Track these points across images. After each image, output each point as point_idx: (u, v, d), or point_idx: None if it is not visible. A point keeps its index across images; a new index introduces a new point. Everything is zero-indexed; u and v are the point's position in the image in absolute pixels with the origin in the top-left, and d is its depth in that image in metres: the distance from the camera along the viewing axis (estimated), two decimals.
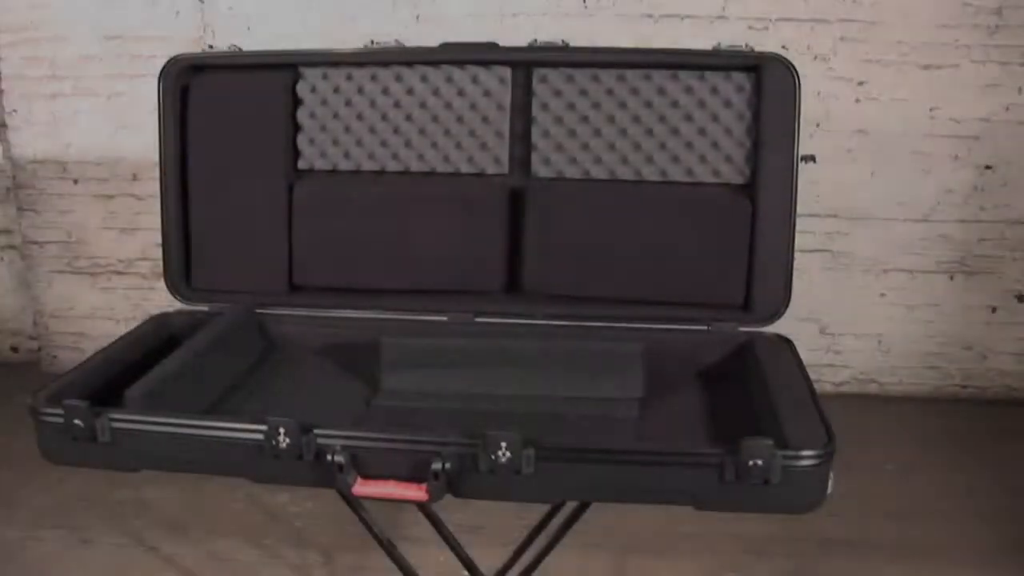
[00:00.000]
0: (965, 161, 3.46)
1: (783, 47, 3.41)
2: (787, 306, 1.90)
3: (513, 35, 3.51)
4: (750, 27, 3.47)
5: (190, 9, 3.50)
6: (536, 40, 1.93)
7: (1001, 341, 3.65)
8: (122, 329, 3.89)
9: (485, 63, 1.94)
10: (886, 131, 3.45)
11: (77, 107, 3.64)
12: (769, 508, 1.43)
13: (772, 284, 1.90)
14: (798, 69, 1.86)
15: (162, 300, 3.80)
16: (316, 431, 1.45)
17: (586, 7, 3.53)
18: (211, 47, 2.02)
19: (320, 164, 2.03)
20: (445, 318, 2.00)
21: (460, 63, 1.94)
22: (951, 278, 3.59)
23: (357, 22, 3.56)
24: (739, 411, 1.73)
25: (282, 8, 3.54)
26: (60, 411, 1.52)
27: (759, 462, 1.36)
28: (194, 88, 2.00)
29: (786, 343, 1.85)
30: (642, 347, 1.82)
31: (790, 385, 1.64)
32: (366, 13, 3.55)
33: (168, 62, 1.97)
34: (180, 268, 2.07)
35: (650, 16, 3.51)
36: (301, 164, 2.03)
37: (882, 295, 3.62)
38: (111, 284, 3.83)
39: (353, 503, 1.75)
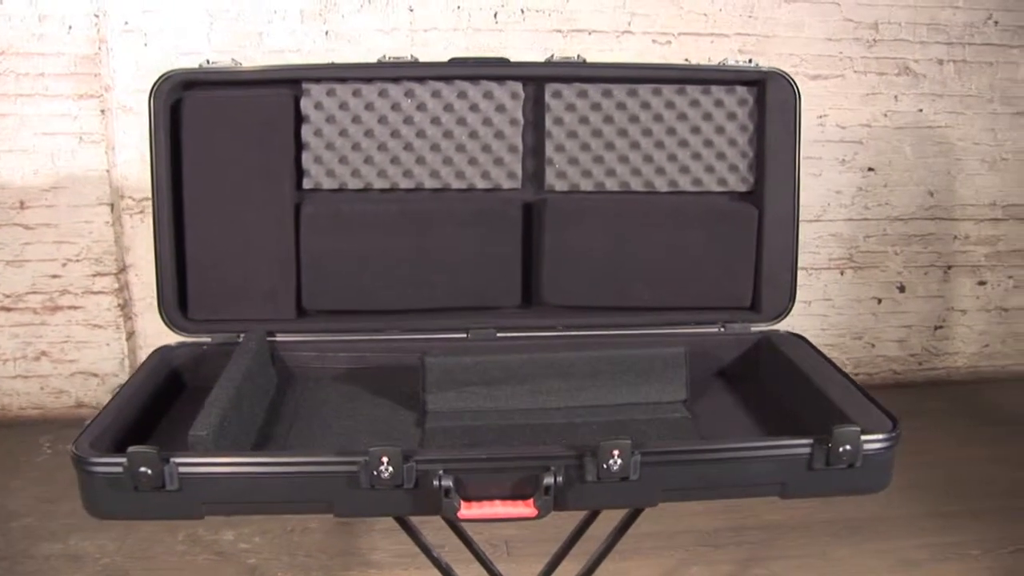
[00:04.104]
0: (851, 164, 3.78)
1: (685, 59, 3.61)
2: (793, 304, 2.03)
3: (423, 51, 3.52)
4: (654, 41, 3.64)
5: (83, 24, 3.28)
6: (553, 56, 1.95)
7: (886, 330, 4.01)
8: (11, 370, 3.61)
9: (498, 78, 1.94)
10: None
11: None
12: (851, 490, 1.52)
13: (779, 284, 2.01)
14: None
15: (56, 336, 3.57)
16: (417, 457, 1.40)
17: (497, 23, 3.59)
18: (208, 62, 1.89)
19: (327, 183, 1.95)
20: (465, 335, 1.99)
21: (472, 78, 1.93)
22: (841, 273, 3.91)
23: (264, 38, 3.45)
24: (782, 404, 1.83)
25: (183, 23, 3.38)
26: (122, 460, 1.39)
27: (848, 447, 1.45)
28: (188, 106, 1.87)
29: (802, 339, 1.97)
30: (685, 350, 1.88)
31: (831, 376, 1.75)
32: (273, 29, 3.45)
33: (160, 78, 1.84)
34: (175, 298, 1.92)
35: (559, 31, 3.61)
36: (306, 184, 1.95)
37: None
38: None
39: (413, 528, 1.70)
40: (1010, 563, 2.71)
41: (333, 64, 1.98)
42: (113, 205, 3.43)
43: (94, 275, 3.47)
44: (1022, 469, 3.28)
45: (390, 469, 1.38)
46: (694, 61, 3.59)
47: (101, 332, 3.52)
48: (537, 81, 1.96)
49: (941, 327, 4.04)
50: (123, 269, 3.52)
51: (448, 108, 1.94)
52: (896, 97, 3.72)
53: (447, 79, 1.93)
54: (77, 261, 3.45)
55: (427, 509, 1.43)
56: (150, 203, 3.39)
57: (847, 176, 3.79)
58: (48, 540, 2.78)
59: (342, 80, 1.92)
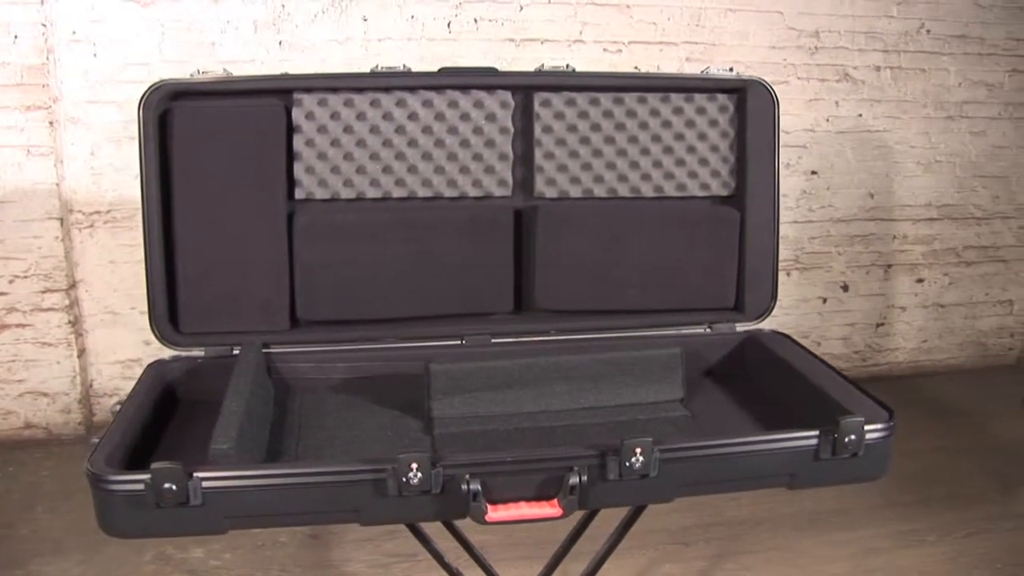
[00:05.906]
0: (796, 168, 3.91)
1: (635, 67, 3.69)
2: (775, 303, 2.10)
3: (377, 61, 3.50)
4: (605, 50, 3.71)
5: (29, 33, 3.17)
6: (543, 65, 1.99)
7: (831, 328, 4.16)
8: None
9: (488, 88, 1.97)
10: None
11: None
12: (854, 479, 1.60)
13: (761, 285, 2.09)
14: None
15: (3, 355, 3.46)
16: (444, 462, 1.42)
17: (450, 32, 3.60)
18: (200, 71, 1.86)
19: (319, 193, 1.94)
20: (460, 342, 2.00)
21: (463, 88, 1.95)
22: (788, 275, 4.04)
23: (217, 48, 3.40)
24: (774, 399, 1.90)
25: (133, 33, 3.30)
26: (144, 476, 1.36)
27: (852, 438, 1.52)
28: (178, 116, 1.84)
29: (787, 337, 2.04)
30: (681, 350, 1.93)
31: (823, 371, 1.82)
32: (226, 39, 3.40)
33: (150, 88, 1.81)
34: (166, 311, 1.89)
35: (512, 40, 3.65)
36: (298, 194, 1.94)
37: None
38: None
39: (423, 534, 1.70)
40: (964, 546, 2.85)
41: (325, 74, 1.97)
42: (62, 219, 3.32)
43: (43, 291, 3.36)
44: (964, 458, 3.45)
45: (419, 475, 1.39)
46: (644, 69, 3.68)
47: (51, 350, 3.41)
48: (526, 90, 2.00)
49: (883, 324, 4.21)
50: (73, 285, 3.41)
51: (439, 117, 1.96)
52: (837, 103, 3.87)
53: (438, 88, 1.95)
54: (25, 277, 3.33)
55: (454, 513, 1.45)
56: (100, 217, 3.38)
57: (792, 180, 3.92)
58: (7, 567, 2.67)
59: (334, 90, 1.92)
